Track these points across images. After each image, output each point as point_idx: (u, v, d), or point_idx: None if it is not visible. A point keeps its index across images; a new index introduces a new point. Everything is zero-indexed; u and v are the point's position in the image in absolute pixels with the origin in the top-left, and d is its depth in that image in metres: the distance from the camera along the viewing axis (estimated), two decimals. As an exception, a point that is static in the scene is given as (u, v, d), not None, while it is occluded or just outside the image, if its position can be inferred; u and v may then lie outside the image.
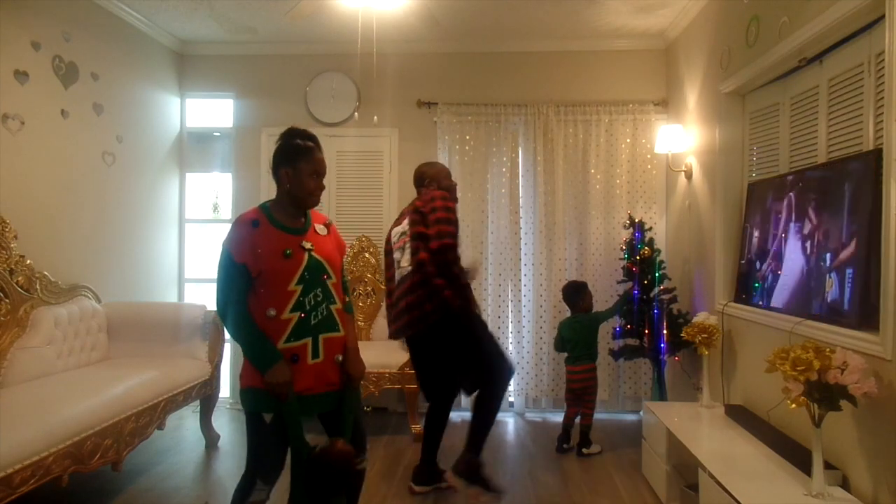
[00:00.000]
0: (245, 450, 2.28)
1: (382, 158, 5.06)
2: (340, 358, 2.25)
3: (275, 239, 2.16)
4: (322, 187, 2.28)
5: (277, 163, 2.24)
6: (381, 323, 4.88)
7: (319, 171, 2.25)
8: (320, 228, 2.31)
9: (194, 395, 3.86)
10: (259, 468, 2.21)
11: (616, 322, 4.35)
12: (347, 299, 2.37)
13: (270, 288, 2.13)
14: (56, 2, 3.74)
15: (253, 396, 2.17)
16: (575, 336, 4.05)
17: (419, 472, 3.34)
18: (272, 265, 2.13)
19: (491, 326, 4.82)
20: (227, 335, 4.22)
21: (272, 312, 2.12)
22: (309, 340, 2.16)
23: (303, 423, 2.17)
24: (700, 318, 3.51)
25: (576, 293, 4.19)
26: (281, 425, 2.16)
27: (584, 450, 3.97)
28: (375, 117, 4.66)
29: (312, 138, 2.28)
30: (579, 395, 4.04)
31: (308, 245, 2.21)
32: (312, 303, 2.17)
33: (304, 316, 2.15)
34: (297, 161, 2.22)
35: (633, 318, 4.18)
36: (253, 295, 2.15)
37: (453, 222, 3.08)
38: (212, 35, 4.89)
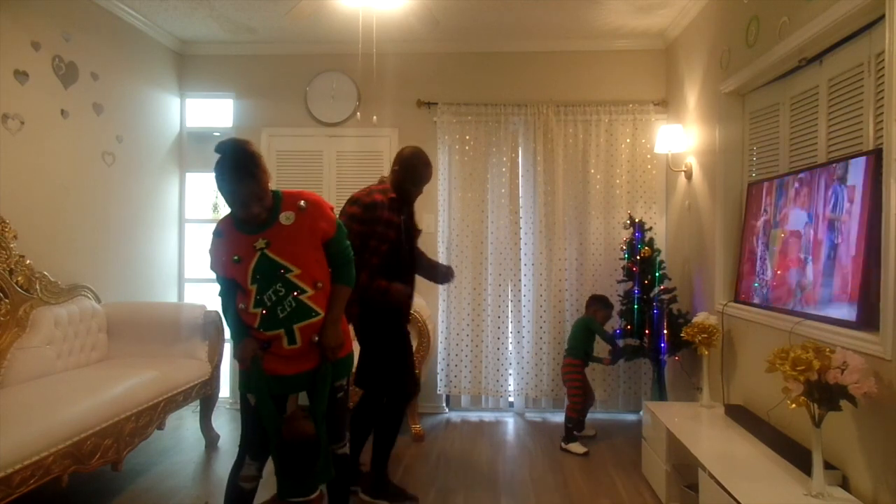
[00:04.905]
0: None
1: (382, 158, 5.06)
2: (317, 338, 2.27)
3: (231, 244, 2.24)
4: (253, 212, 2.13)
5: None
6: (381, 323, 4.88)
7: (243, 201, 2.09)
8: (286, 217, 2.20)
9: (194, 395, 3.86)
10: (246, 444, 2.36)
11: (616, 322, 4.35)
12: (340, 271, 2.34)
13: (240, 287, 2.26)
14: (56, 2, 3.74)
15: (241, 377, 2.36)
16: (573, 330, 4.29)
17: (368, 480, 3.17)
18: (229, 270, 2.25)
19: (490, 327, 4.85)
20: (226, 335, 4.23)
21: (242, 306, 2.27)
22: (282, 331, 2.23)
23: (281, 400, 2.34)
24: (700, 318, 3.51)
25: (593, 300, 4.31)
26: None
27: (563, 444, 4.06)
28: (375, 117, 4.66)
29: (226, 172, 2.06)
30: (565, 386, 4.29)
31: (261, 244, 2.19)
32: (274, 298, 2.20)
33: (266, 312, 2.21)
34: (217, 188, 2.13)
35: (633, 319, 4.18)
36: (237, 291, 2.31)
37: (352, 233, 2.77)
38: (212, 35, 4.89)
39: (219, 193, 2.17)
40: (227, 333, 4.21)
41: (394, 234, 2.99)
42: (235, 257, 2.21)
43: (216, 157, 2.13)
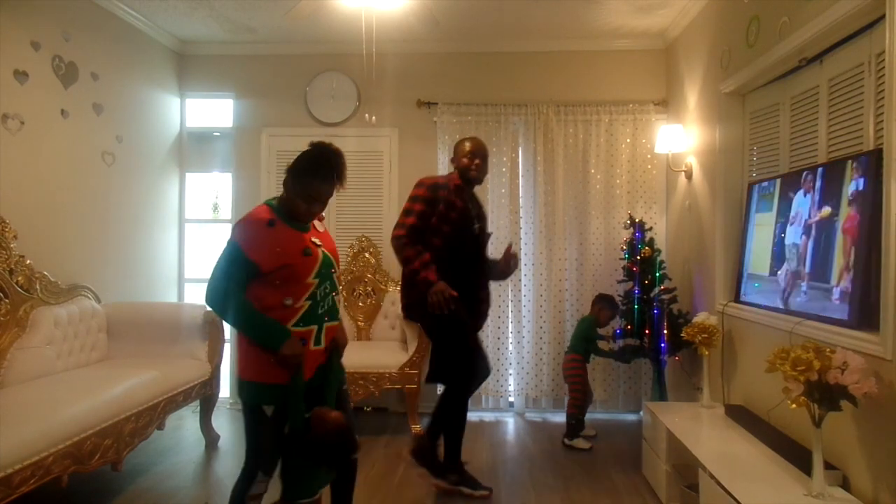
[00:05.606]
0: (243, 446, 2.31)
1: (382, 158, 5.06)
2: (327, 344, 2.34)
3: (293, 237, 2.22)
4: (314, 213, 2.27)
5: (288, 168, 2.24)
6: (382, 323, 4.89)
7: (316, 197, 2.23)
8: (320, 225, 2.39)
9: (194, 395, 3.86)
10: (260, 461, 2.26)
11: (616, 322, 4.35)
12: None
13: (289, 281, 2.19)
14: (56, 2, 3.74)
15: (255, 390, 2.22)
16: (576, 327, 4.37)
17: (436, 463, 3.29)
18: (294, 262, 2.19)
19: (490, 327, 4.84)
20: (226, 335, 4.22)
21: (289, 301, 2.19)
22: (315, 328, 2.25)
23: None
24: (700, 318, 3.51)
25: (599, 299, 4.33)
26: (281, 417, 2.21)
27: (566, 440, 4.11)
28: (374, 117, 4.66)
29: (324, 168, 2.21)
30: (566, 382, 4.29)
31: (318, 241, 2.30)
32: (322, 293, 2.27)
33: (313, 304, 2.24)
34: (299, 178, 2.21)
35: (634, 319, 4.18)
36: (265, 286, 2.19)
37: (413, 213, 3.07)
38: (212, 35, 4.89)
39: (297, 183, 2.19)
40: (227, 333, 4.26)
41: (455, 216, 3.11)
42: (307, 249, 2.22)
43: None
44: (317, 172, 2.21)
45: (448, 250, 3.10)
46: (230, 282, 2.18)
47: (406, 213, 3.11)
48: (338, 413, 2.23)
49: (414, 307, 3.16)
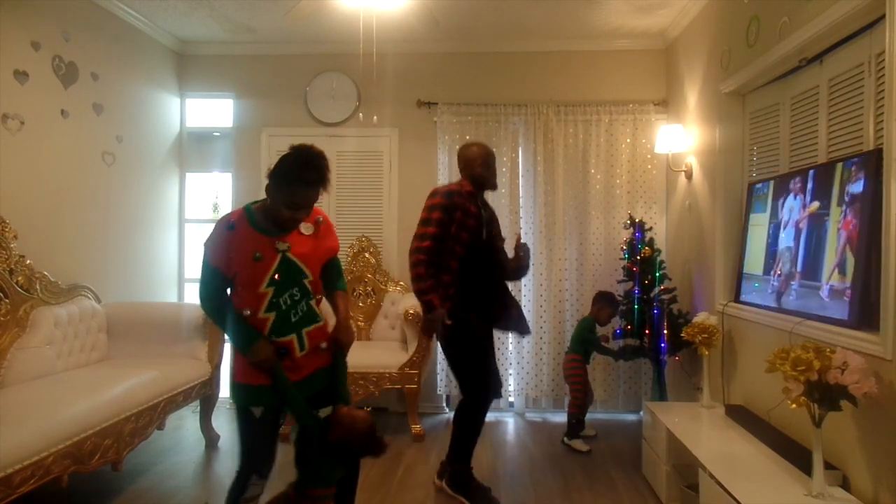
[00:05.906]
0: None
1: (382, 158, 5.06)
2: (325, 345, 2.30)
3: (248, 241, 2.15)
4: (299, 219, 2.18)
5: (269, 173, 2.16)
6: (382, 323, 4.88)
7: (299, 203, 2.13)
8: (306, 228, 2.26)
9: (194, 396, 3.86)
10: (253, 462, 2.25)
11: (616, 322, 4.35)
12: (339, 280, 2.44)
13: (244, 289, 2.17)
14: (56, 2, 3.74)
15: (242, 391, 2.23)
16: (576, 327, 4.37)
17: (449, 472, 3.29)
18: (242, 268, 2.15)
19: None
20: (226, 335, 4.22)
21: (247, 312, 2.17)
22: (293, 336, 2.21)
23: (279, 413, 2.26)
24: (700, 318, 3.51)
25: (598, 297, 4.31)
26: (271, 418, 2.22)
27: (565, 439, 4.12)
28: (375, 117, 4.66)
29: (308, 172, 2.10)
30: (567, 382, 4.29)
31: (283, 246, 2.18)
32: (289, 302, 2.19)
33: (280, 316, 2.18)
34: (281, 184, 2.11)
35: (634, 319, 4.18)
36: (234, 293, 2.21)
37: (432, 222, 3.03)
38: (212, 35, 4.89)
39: (280, 189, 2.10)
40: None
41: (473, 222, 3.10)
42: (257, 254, 2.13)
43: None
44: (300, 177, 2.09)
45: (469, 259, 3.07)
46: (208, 286, 2.22)
47: (425, 222, 3.05)
48: (365, 413, 2.23)
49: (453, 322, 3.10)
